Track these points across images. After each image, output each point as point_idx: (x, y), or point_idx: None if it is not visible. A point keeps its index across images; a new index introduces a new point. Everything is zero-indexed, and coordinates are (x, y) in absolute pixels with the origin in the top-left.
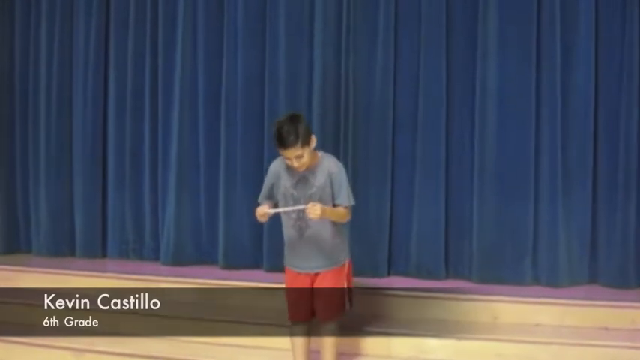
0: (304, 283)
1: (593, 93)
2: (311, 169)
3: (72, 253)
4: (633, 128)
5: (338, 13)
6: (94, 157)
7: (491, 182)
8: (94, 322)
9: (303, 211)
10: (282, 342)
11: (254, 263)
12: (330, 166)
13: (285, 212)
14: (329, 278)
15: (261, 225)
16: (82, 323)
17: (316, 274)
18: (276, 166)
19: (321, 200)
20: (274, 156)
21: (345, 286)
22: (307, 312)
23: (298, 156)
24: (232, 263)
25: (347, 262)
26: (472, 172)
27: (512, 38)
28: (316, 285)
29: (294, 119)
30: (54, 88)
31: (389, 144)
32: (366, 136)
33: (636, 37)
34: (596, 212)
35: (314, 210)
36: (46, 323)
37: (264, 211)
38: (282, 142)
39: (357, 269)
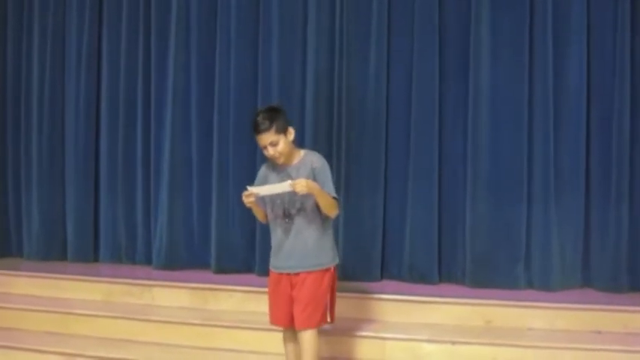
0: (285, 286)
1: (585, 98)
2: (295, 166)
3: (64, 257)
4: (625, 133)
5: (331, 19)
6: (86, 162)
7: (484, 187)
8: (86, 327)
9: (289, 213)
10: (275, 346)
11: (246, 267)
12: (312, 160)
13: (268, 193)
14: (309, 282)
15: (253, 229)
16: (73, 328)
17: (297, 275)
18: (262, 170)
19: (306, 196)
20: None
21: (327, 294)
22: (288, 317)
23: (273, 143)
24: (225, 267)
25: (332, 268)
26: (465, 176)
27: (505, 44)
28: (296, 289)
29: (271, 109)
30: (46, 92)
31: (382, 148)
32: (360, 140)
33: (628, 43)
34: (588, 216)
35: (299, 183)
36: (38, 327)
37: (249, 190)
38: (256, 127)
39: (350, 273)
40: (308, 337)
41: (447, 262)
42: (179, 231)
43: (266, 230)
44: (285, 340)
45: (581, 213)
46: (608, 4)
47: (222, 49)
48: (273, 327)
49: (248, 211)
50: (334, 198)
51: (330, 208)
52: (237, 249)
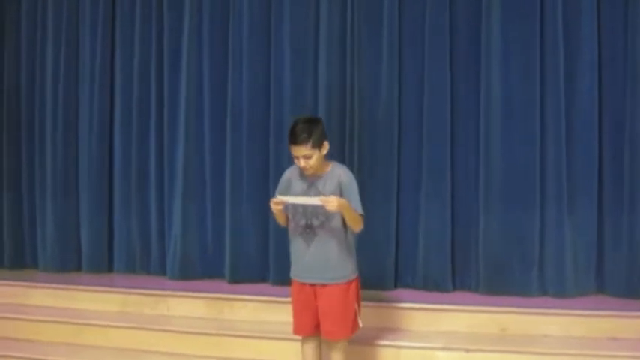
0: (309, 294)
1: (597, 104)
2: (322, 178)
3: (78, 268)
4: (638, 139)
5: (343, 26)
6: (100, 172)
7: (497, 194)
8: (101, 338)
9: (311, 224)
10: (292, 355)
11: (261, 277)
12: (340, 174)
13: (298, 203)
14: (337, 294)
15: (267, 238)
16: (89, 339)
17: (323, 287)
18: (287, 174)
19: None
20: (280, 170)
21: (355, 304)
22: (311, 326)
23: (306, 156)
24: (239, 277)
25: (355, 278)
26: (478, 184)
27: (516, 50)
28: (322, 301)
29: (312, 120)
30: (60, 103)
31: (394, 156)
32: (372, 151)
33: (639, 48)
34: (602, 222)
35: (330, 202)
36: (53, 338)
37: (279, 198)
38: (293, 137)
39: (364, 282)
40: (340, 348)
41: (461, 270)
42: (193, 241)
43: (280, 239)
44: (303, 346)
45: (594, 219)
46: (619, 8)
47: (234, 60)
48: (289, 336)
49: (262, 221)
50: (361, 214)
51: (356, 224)
52: (251, 258)
